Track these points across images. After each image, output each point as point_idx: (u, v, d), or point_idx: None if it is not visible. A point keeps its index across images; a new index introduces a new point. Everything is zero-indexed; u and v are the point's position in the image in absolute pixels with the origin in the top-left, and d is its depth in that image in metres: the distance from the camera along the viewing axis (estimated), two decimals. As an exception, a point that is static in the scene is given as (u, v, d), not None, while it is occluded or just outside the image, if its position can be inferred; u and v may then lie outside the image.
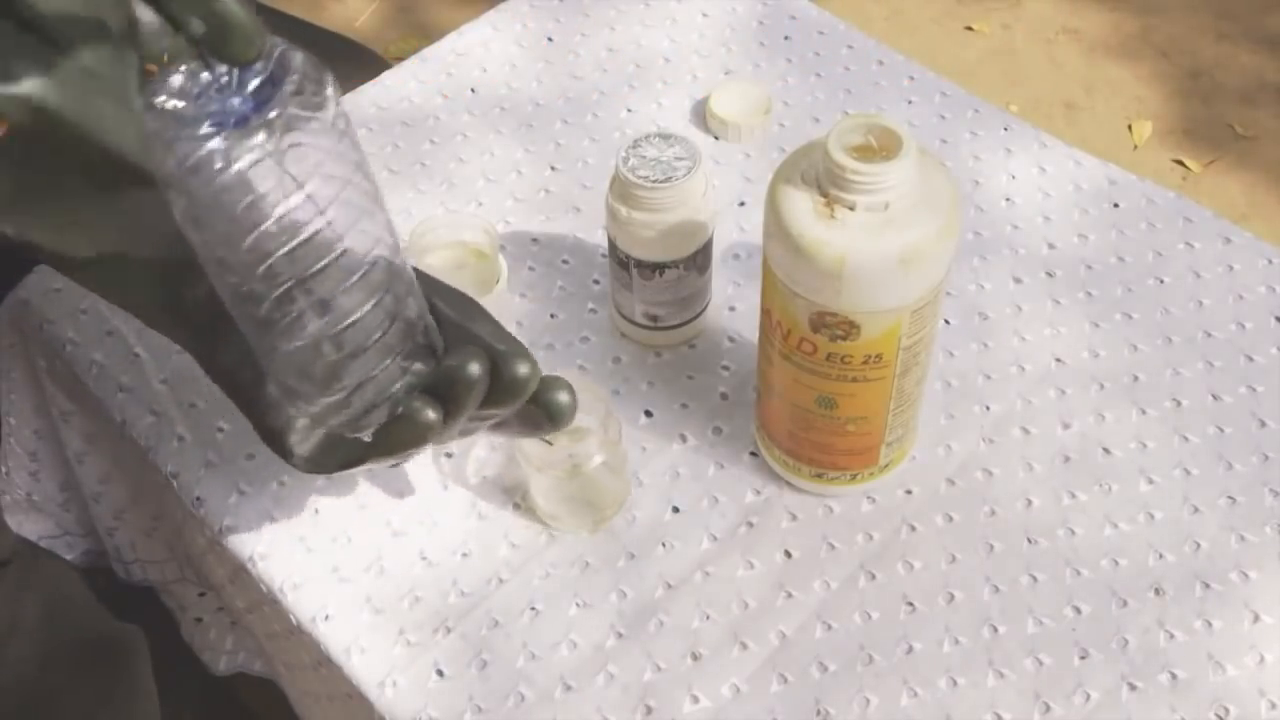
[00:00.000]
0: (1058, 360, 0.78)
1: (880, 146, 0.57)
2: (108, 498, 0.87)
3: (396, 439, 0.54)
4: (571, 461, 0.66)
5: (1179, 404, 0.75)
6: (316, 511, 0.71)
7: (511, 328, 0.79)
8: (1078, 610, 0.67)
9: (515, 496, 0.71)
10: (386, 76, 0.96)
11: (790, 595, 0.67)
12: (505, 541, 0.70)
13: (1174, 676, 0.64)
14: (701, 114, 0.92)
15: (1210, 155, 1.86)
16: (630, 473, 0.72)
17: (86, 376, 0.78)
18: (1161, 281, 0.82)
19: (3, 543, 0.81)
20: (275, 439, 0.56)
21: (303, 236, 0.45)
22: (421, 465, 0.73)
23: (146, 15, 0.45)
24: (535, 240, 0.85)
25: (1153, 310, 0.80)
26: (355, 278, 0.48)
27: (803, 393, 0.64)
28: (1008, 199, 0.87)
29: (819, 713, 0.63)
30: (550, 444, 0.65)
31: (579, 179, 0.88)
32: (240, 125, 0.43)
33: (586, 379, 0.69)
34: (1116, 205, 0.87)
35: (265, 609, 0.71)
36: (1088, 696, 0.64)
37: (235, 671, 0.88)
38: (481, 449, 0.74)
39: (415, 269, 0.54)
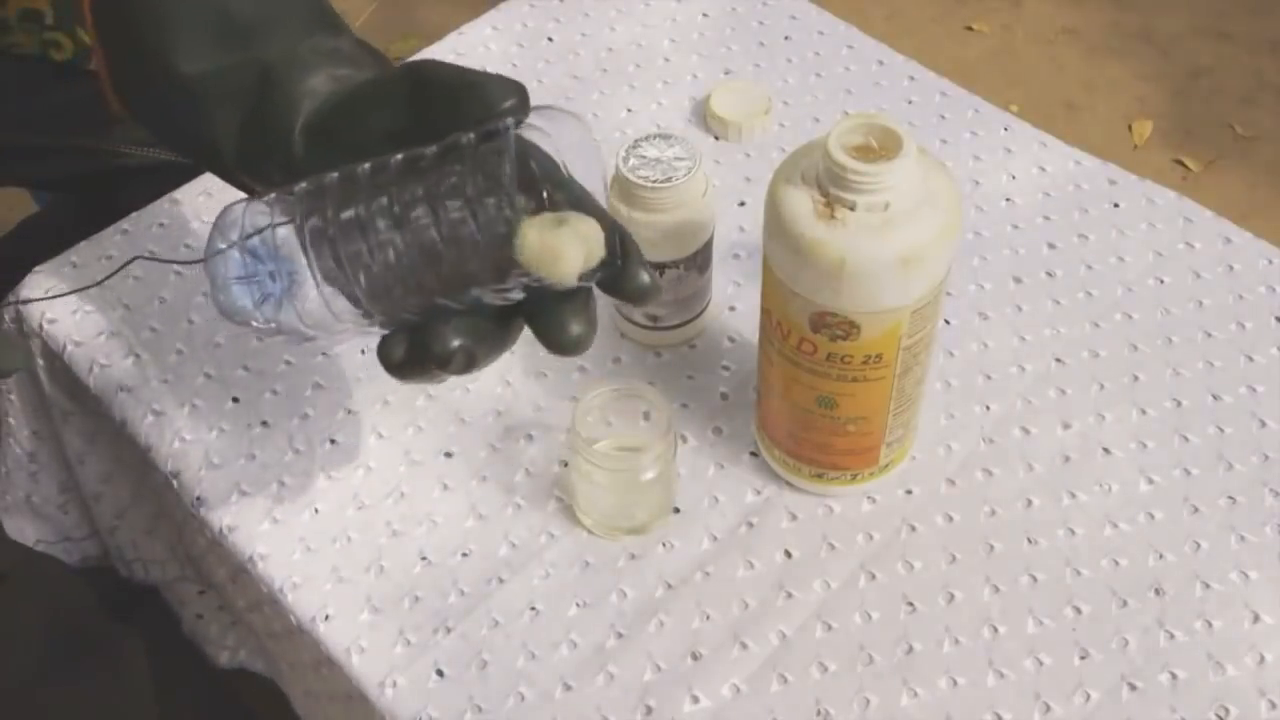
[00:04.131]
0: (1058, 360, 0.78)
1: (880, 146, 0.57)
2: (108, 497, 0.87)
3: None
4: (626, 471, 0.66)
5: (1179, 404, 0.75)
6: (316, 511, 0.71)
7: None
8: (1078, 610, 0.67)
9: (556, 491, 0.72)
10: (386, 76, 0.96)
11: (790, 595, 0.67)
12: (505, 541, 0.70)
13: (1174, 676, 0.64)
14: (701, 114, 0.92)
15: (1210, 155, 1.86)
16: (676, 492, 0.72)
17: (86, 376, 0.78)
18: (1161, 281, 0.82)
19: (2, 556, 0.81)
20: None
21: None
22: (437, 460, 0.73)
23: None
24: (535, 240, 0.85)
25: (1153, 310, 0.80)
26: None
27: (803, 393, 0.64)
28: (1008, 199, 0.87)
29: (819, 713, 0.63)
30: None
31: (579, 179, 0.88)
32: None
33: (657, 394, 0.69)
34: (1116, 205, 0.87)
35: (266, 609, 0.71)
36: (1088, 696, 0.64)
37: (237, 667, 0.88)
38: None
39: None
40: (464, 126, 0.47)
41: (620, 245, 0.48)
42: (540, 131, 0.47)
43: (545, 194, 0.46)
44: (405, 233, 0.46)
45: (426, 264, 0.46)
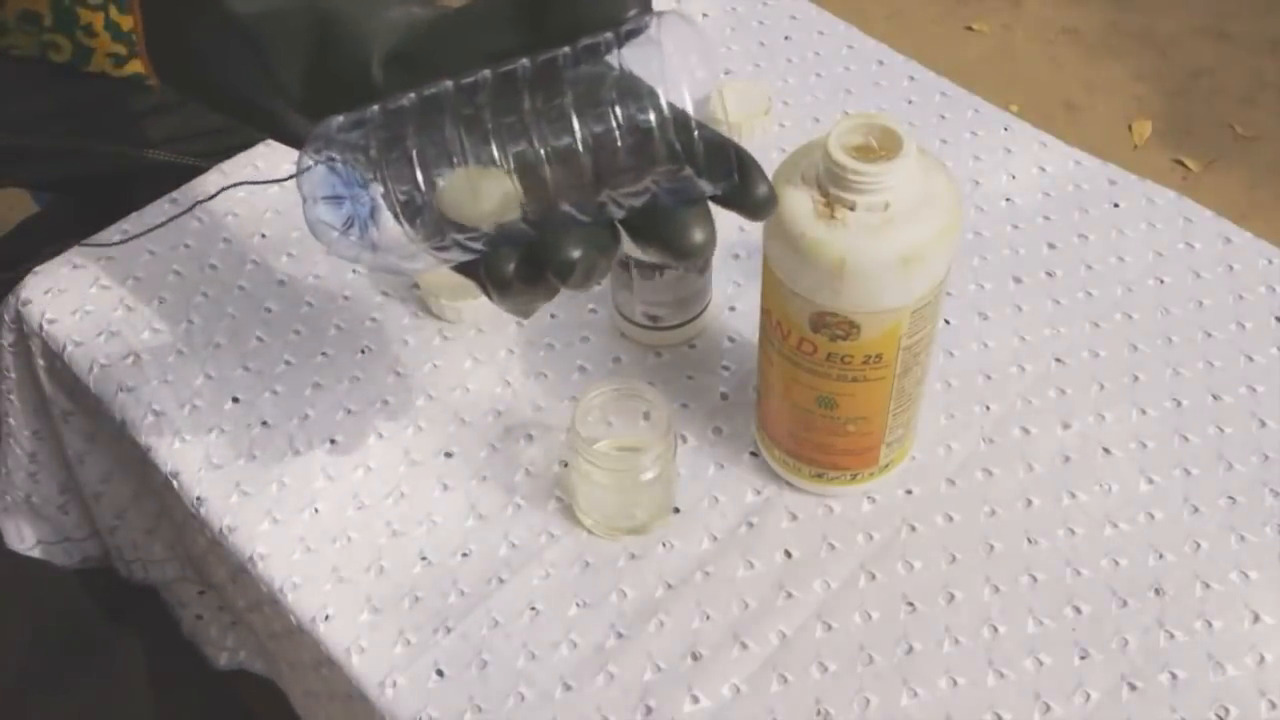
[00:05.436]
0: (1058, 360, 0.78)
1: (880, 146, 0.57)
2: (109, 497, 0.87)
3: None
4: (626, 472, 0.66)
5: (1179, 404, 0.75)
6: (316, 511, 0.71)
7: (512, 325, 0.79)
8: (1078, 610, 0.67)
9: (556, 491, 0.72)
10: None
11: (790, 595, 0.67)
12: (505, 541, 0.70)
13: (1174, 676, 0.64)
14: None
15: (1210, 155, 1.86)
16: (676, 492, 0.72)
17: (86, 376, 0.78)
18: (1161, 281, 0.82)
19: None
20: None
21: None
22: (437, 460, 0.73)
23: None
24: (535, 240, 0.85)
25: (1153, 310, 0.80)
26: None
27: (803, 393, 0.64)
28: (1008, 199, 0.87)
29: (819, 713, 0.63)
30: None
31: (579, 179, 0.88)
32: None
33: (657, 394, 0.69)
34: (1116, 205, 0.87)
35: (266, 609, 0.71)
36: (1088, 696, 0.64)
37: (236, 667, 0.88)
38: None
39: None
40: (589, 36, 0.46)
41: (737, 159, 0.47)
42: (651, 43, 0.46)
43: (653, 117, 0.45)
44: (541, 137, 0.45)
45: (564, 167, 0.45)
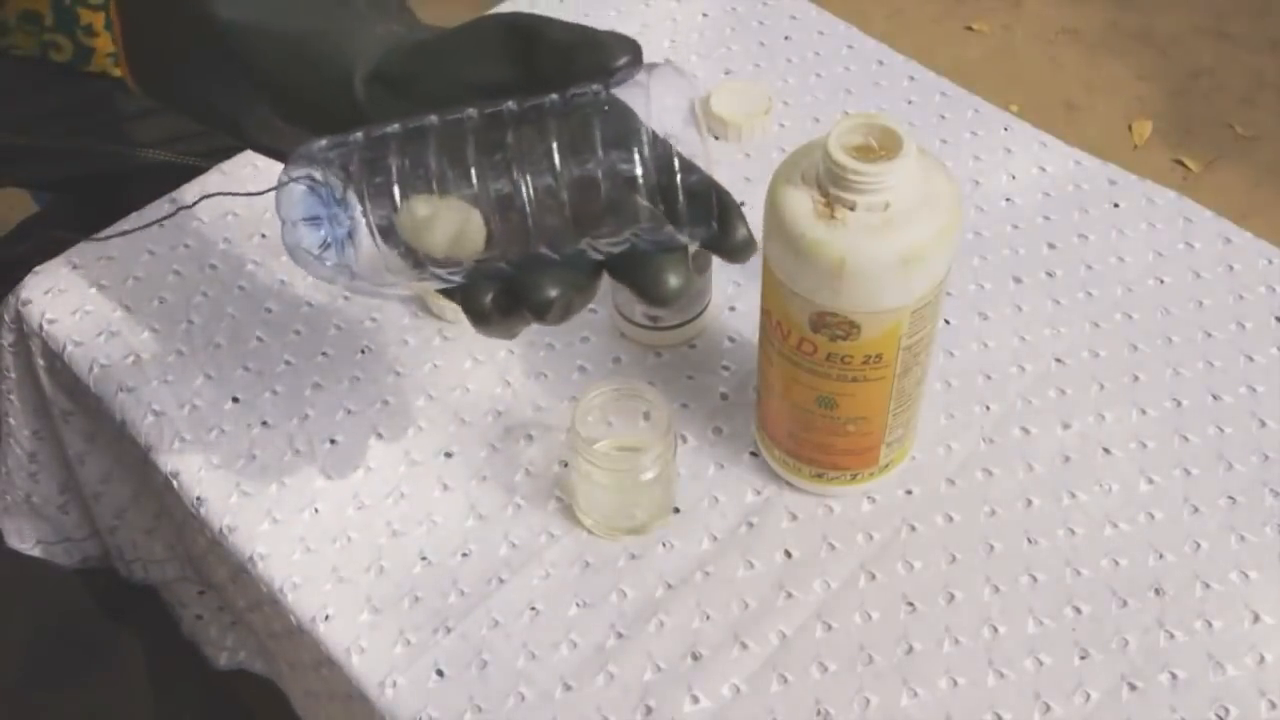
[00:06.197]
0: (1058, 360, 0.78)
1: (880, 146, 0.57)
2: (108, 497, 0.87)
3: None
4: (626, 472, 0.66)
5: (1179, 404, 0.75)
6: (316, 511, 0.71)
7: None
8: (1078, 610, 0.67)
9: (556, 491, 0.72)
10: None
11: (790, 595, 0.67)
12: (505, 541, 0.70)
13: (1174, 676, 0.64)
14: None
15: (1210, 155, 1.86)
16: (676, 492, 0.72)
17: (87, 376, 0.78)
18: (1161, 281, 0.82)
19: None
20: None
21: None
22: (437, 460, 0.73)
23: None
24: (535, 240, 0.85)
25: (1153, 310, 0.80)
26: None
27: (803, 393, 0.64)
28: (1008, 199, 0.87)
29: (819, 713, 0.63)
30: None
31: (579, 179, 0.88)
32: None
33: (657, 394, 0.69)
34: (1116, 205, 0.87)
35: (266, 609, 0.71)
36: (1088, 696, 0.64)
37: (236, 667, 0.88)
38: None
39: None
40: (576, 82, 0.46)
41: (718, 203, 0.47)
42: (641, 88, 0.46)
43: (639, 153, 0.45)
44: (523, 180, 0.45)
45: (544, 212, 0.45)
